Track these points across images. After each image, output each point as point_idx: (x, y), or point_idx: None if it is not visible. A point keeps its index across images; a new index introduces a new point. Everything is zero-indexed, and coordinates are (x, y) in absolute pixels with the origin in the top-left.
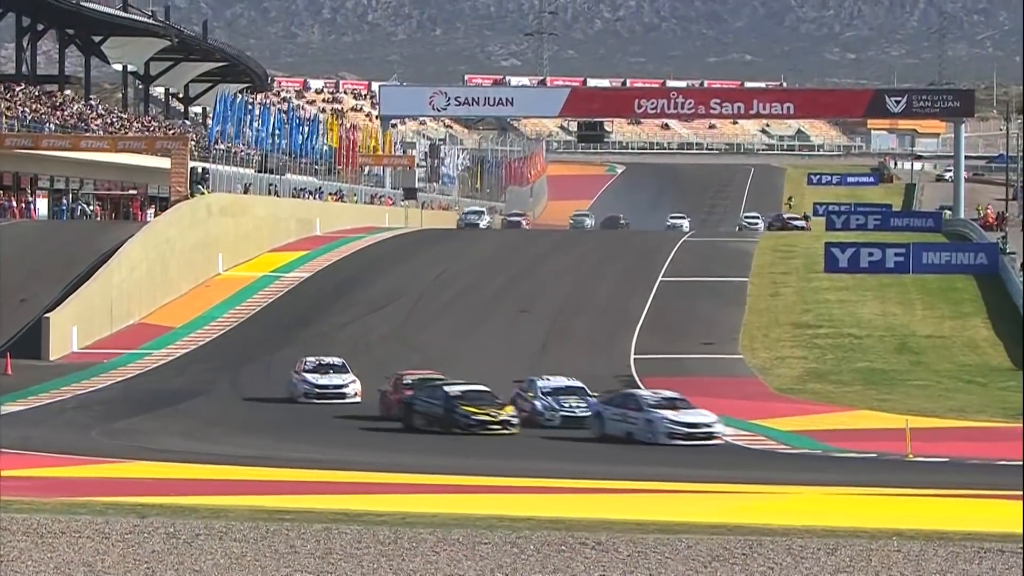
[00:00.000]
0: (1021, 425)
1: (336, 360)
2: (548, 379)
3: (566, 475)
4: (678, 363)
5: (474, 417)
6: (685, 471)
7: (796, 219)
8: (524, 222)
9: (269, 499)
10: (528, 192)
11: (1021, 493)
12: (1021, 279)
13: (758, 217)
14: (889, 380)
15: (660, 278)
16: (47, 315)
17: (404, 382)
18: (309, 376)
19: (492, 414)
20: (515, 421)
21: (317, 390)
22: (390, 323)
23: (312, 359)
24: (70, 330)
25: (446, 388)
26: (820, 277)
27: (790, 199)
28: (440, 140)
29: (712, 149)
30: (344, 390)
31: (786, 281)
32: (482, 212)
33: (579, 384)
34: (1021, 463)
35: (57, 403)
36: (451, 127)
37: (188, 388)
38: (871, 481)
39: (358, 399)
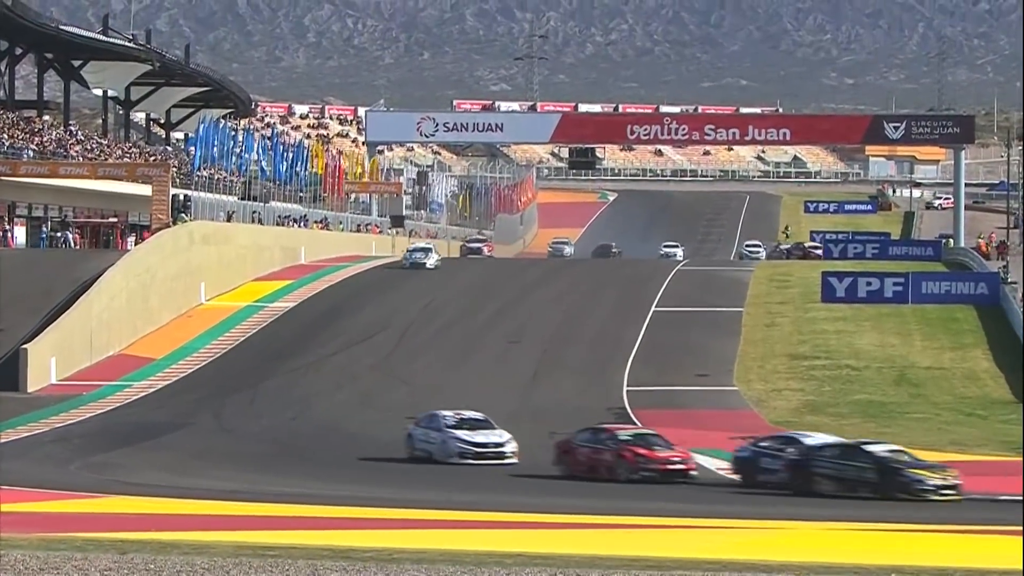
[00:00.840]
0: (1022, 459)
1: (478, 415)
2: (811, 436)
3: (559, 510)
4: (672, 395)
5: (929, 481)
6: (678, 506)
7: (816, 248)
8: (486, 248)
9: (253, 535)
10: (518, 220)
11: (1021, 529)
12: (1022, 309)
13: (760, 246)
14: (888, 413)
15: (653, 308)
16: (25, 346)
17: (621, 437)
18: (461, 434)
19: (942, 476)
20: (958, 483)
21: (476, 449)
22: (377, 354)
23: (450, 414)
24: (49, 361)
25: (867, 448)
26: (817, 307)
27: (787, 228)
28: (428, 167)
29: (706, 176)
30: (504, 449)
31: (782, 311)
32: (429, 249)
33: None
34: (1022, 498)
35: (35, 436)
36: (439, 153)
37: (170, 421)
38: (869, 516)
39: (516, 460)
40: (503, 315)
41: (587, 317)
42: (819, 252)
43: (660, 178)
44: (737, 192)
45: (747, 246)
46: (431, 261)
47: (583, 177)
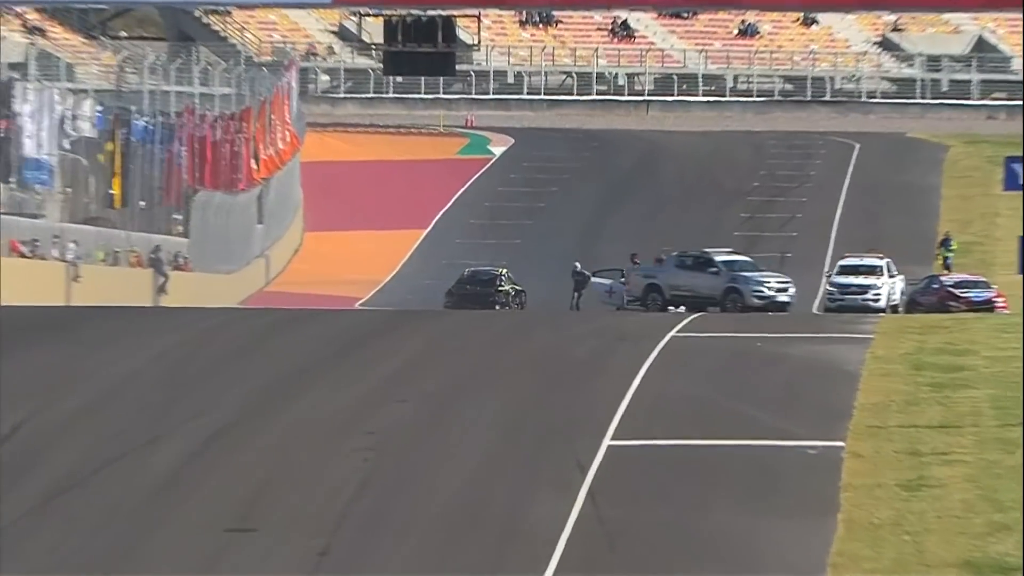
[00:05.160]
0: None
1: None
2: None
3: None
4: None
5: None
6: None
7: (977, 286)
8: None
9: None
10: (251, 207)
11: None
12: None
13: (881, 272)
14: None
15: (608, 441)
16: None
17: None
18: None
19: None
20: None
21: None
22: None
23: None
24: None
25: None
26: None
27: (946, 239)
28: (16, 69)
29: (744, 92)
30: None
31: (950, 448)
32: None
33: None
34: None
35: None
36: (43, 32)
37: None
38: None
39: None
40: (219, 463)
41: (447, 459)
42: (1000, 303)
43: (619, 98)
44: (827, 135)
45: (840, 275)
46: None
47: (421, 94)
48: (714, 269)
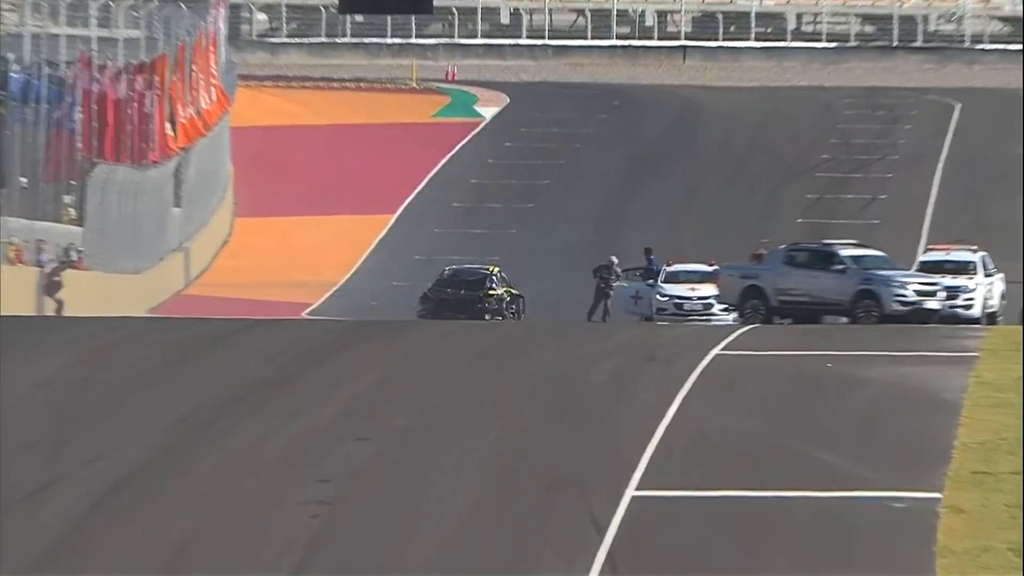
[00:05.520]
0: None
1: None
2: None
3: None
4: None
5: None
6: None
7: None
8: None
9: None
10: (167, 182)
11: None
12: None
13: (974, 270)
14: None
15: (631, 491)
16: None
17: None
18: None
19: None
20: None
21: None
22: None
23: None
24: None
25: None
26: None
27: None
28: None
29: (810, 35)
30: None
31: None
32: None
33: None
34: None
35: None
36: None
37: None
38: None
39: None
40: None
41: (421, 515)
42: None
43: (647, 43)
44: (921, 90)
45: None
46: None
47: (388, 38)
48: (840, 266)
